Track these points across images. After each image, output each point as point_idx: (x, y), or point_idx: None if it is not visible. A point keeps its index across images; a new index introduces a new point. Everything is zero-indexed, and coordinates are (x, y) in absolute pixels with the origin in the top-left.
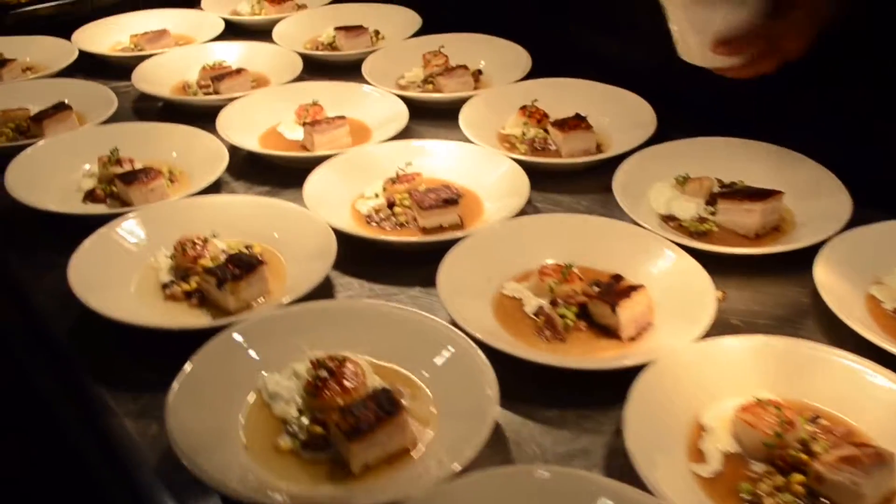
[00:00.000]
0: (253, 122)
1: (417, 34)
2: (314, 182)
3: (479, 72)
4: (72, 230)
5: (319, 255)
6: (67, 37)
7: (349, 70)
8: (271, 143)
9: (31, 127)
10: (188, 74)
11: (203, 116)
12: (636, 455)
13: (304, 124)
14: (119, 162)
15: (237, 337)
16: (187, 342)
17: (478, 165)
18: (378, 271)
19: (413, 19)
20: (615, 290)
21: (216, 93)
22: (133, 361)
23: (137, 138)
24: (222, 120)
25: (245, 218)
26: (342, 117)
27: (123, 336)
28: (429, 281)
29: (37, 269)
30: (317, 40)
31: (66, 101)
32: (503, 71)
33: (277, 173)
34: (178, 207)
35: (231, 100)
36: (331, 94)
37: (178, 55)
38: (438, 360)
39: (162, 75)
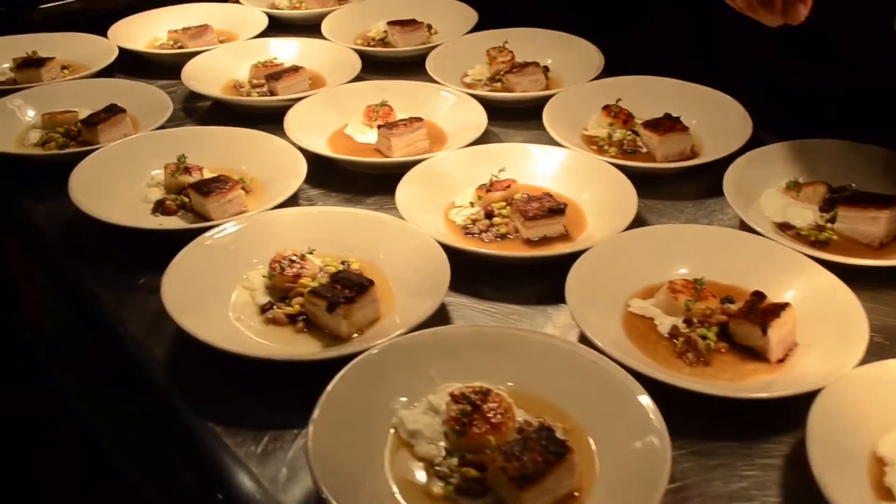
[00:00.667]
0: (319, 124)
1: (474, 30)
2: (405, 191)
3: (546, 69)
4: (145, 245)
5: (431, 276)
6: (100, 32)
7: (404, 67)
8: (341, 147)
9: (84, 132)
10: (237, 73)
11: (259, 118)
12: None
13: (379, 127)
14: (188, 170)
15: (365, 368)
16: (300, 372)
17: (574, 171)
18: (485, 287)
19: (466, 14)
20: (761, 309)
21: (272, 92)
22: (241, 395)
23: (202, 143)
24: (291, 123)
25: (339, 231)
26: (419, 119)
27: (224, 364)
28: (540, 297)
29: (114, 289)
30: (366, 35)
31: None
32: (573, 68)
33: (353, 179)
34: (267, 221)
35: (294, 101)
36: (398, 94)
37: (226, 52)
38: (586, 390)
39: (210, 74)
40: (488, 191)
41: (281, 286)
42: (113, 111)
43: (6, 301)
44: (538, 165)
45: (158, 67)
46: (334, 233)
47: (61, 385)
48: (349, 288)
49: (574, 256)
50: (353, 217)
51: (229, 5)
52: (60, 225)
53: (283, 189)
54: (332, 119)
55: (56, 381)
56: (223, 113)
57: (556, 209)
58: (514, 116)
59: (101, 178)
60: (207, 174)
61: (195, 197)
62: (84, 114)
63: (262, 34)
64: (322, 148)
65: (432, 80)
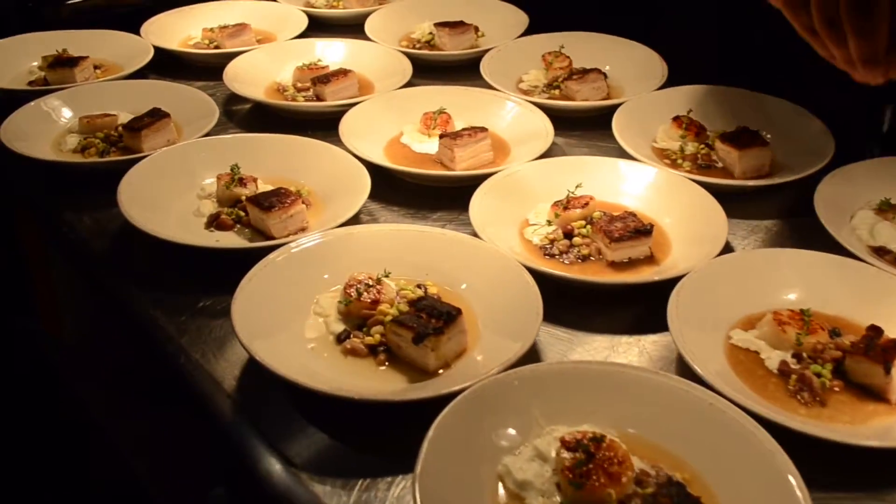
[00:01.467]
0: (374, 132)
1: (525, 33)
2: (479, 207)
3: (604, 75)
4: (201, 263)
5: (520, 309)
6: (129, 29)
7: (452, 71)
8: (399, 157)
9: (126, 137)
10: (280, 75)
11: (306, 124)
12: None
13: (441, 137)
14: (242, 181)
15: (466, 409)
16: (386, 411)
17: (657, 188)
18: (568, 314)
19: (516, 16)
20: (881, 345)
21: (318, 97)
22: (321, 434)
23: (255, 152)
24: (346, 131)
25: (414, 252)
26: (483, 129)
27: (301, 399)
28: (629, 326)
29: (172, 312)
30: (410, 37)
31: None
32: (633, 76)
33: (415, 192)
34: (335, 240)
35: (346, 107)
36: (455, 101)
37: (268, 53)
38: (703, 434)
39: (252, 75)
40: (566, 208)
41: (357, 313)
42: (157, 116)
43: (21, 307)
44: (616, 181)
45: (195, 68)
46: (408, 253)
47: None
48: (436, 317)
49: (669, 282)
50: (428, 236)
51: (266, 3)
52: (107, 239)
53: (346, 204)
54: (387, 126)
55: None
56: (265, 117)
57: (643, 230)
58: (575, 126)
59: (150, 189)
60: (262, 186)
61: (254, 211)
62: (123, 117)
63: (302, 35)
64: (379, 157)
65: (485, 86)
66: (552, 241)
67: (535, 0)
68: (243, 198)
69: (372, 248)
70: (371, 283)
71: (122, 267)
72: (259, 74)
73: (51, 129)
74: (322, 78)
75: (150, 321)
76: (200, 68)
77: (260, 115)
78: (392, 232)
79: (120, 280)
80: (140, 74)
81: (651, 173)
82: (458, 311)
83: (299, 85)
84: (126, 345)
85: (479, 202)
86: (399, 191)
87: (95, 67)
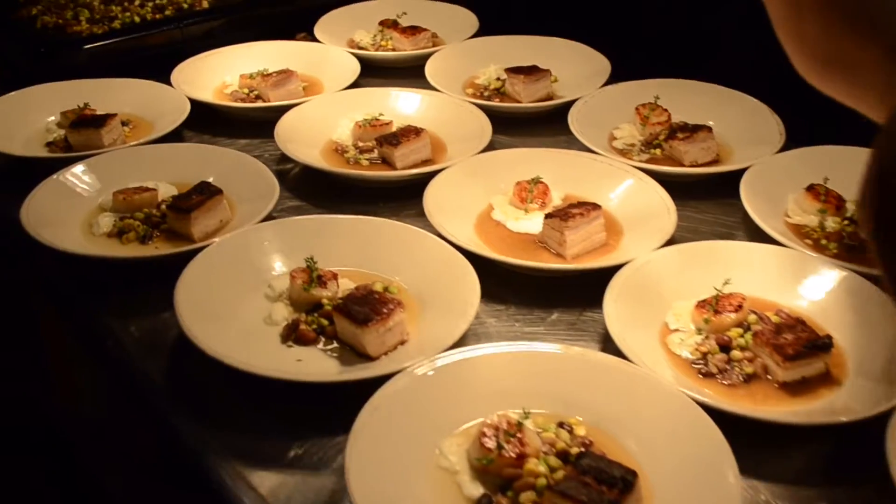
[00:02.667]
0: (461, 207)
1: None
2: (614, 313)
3: (709, 129)
4: (283, 393)
5: (706, 458)
6: (158, 76)
7: (530, 125)
8: (494, 238)
9: (171, 219)
10: (336, 132)
11: (374, 193)
12: None
13: (547, 217)
14: (322, 281)
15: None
16: None
17: (821, 285)
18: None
19: (594, 61)
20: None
21: (385, 159)
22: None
23: (331, 237)
24: (432, 207)
25: (553, 379)
26: (595, 206)
27: None
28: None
29: (250, 460)
30: (475, 83)
31: (211, 180)
32: (743, 132)
33: (523, 285)
34: (454, 363)
35: (426, 175)
36: (547, 165)
37: (320, 106)
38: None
39: (304, 133)
40: (716, 311)
41: (498, 472)
42: (207, 192)
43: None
44: (764, 272)
45: (235, 121)
46: (544, 381)
47: (103, 479)
48: (608, 484)
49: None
50: (566, 360)
51: (306, 44)
52: (160, 356)
53: (450, 309)
54: (473, 198)
55: (96, 473)
56: (320, 181)
57: (821, 344)
58: (684, 194)
59: (210, 291)
60: (345, 283)
61: (343, 323)
62: (163, 189)
63: (353, 83)
64: (473, 239)
65: (571, 141)
66: (705, 355)
67: (615, 41)
68: (325, 301)
69: (496, 376)
70: (510, 430)
71: (178, 392)
72: (313, 131)
73: (79, 207)
74: (390, 139)
75: (222, 479)
76: (241, 122)
77: (314, 178)
78: (522, 356)
79: (174, 407)
80: (175, 133)
81: (809, 264)
82: (635, 475)
83: (361, 144)
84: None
85: (614, 306)
86: (504, 283)
87: (123, 124)
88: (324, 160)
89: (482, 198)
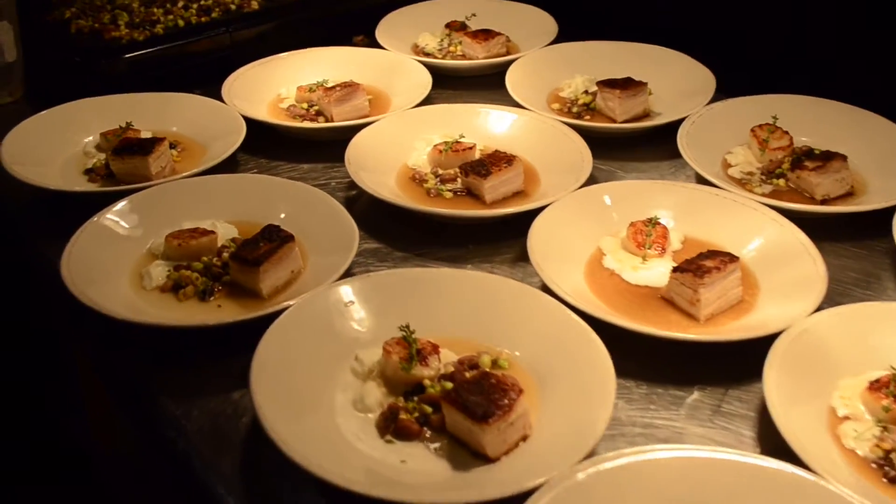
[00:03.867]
0: (568, 251)
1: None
2: (776, 391)
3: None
4: None
5: None
6: (206, 89)
7: (624, 146)
8: (609, 290)
9: (236, 271)
10: (411, 156)
11: (460, 231)
12: None
13: (675, 271)
14: (422, 356)
15: None
16: None
17: None
18: None
19: (697, 75)
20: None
21: (471, 191)
22: None
23: (423, 296)
24: (538, 254)
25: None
26: (732, 258)
27: None
28: None
29: None
30: (559, 96)
31: (282, 218)
32: (880, 159)
33: (641, 348)
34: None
35: (526, 215)
36: (664, 201)
37: (394, 125)
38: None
39: (376, 158)
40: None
41: None
42: (276, 239)
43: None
44: None
45: (292, 142)
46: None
47: None
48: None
49: None
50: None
51: (369, 52)
52: (231, 451)
53: (585, 393)
54: (580, 241)
55: None
56: (397, 214)
57: None
58: (817, 232)
59: (288, 371)
60: (445, 354)
61: (457, 418)
62: (222, 230)
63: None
64: (586, 296)
65: (678, 169)
66: (888, 454)
67: (711, 47)
68: (427, 383)
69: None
70: None
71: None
72: (386, 156)
73: (126, 253)
74: (478, 168)
75: None
76: (301, 142)
77: (389, 210)
78: (697, 463)
79: None
80: (229, 160)
81: None
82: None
83: (441, 172)
84: None
85: (776, 392)
86: (625, 348)
87: (171, 147)
88: (400, 190)
89: (589, 240)
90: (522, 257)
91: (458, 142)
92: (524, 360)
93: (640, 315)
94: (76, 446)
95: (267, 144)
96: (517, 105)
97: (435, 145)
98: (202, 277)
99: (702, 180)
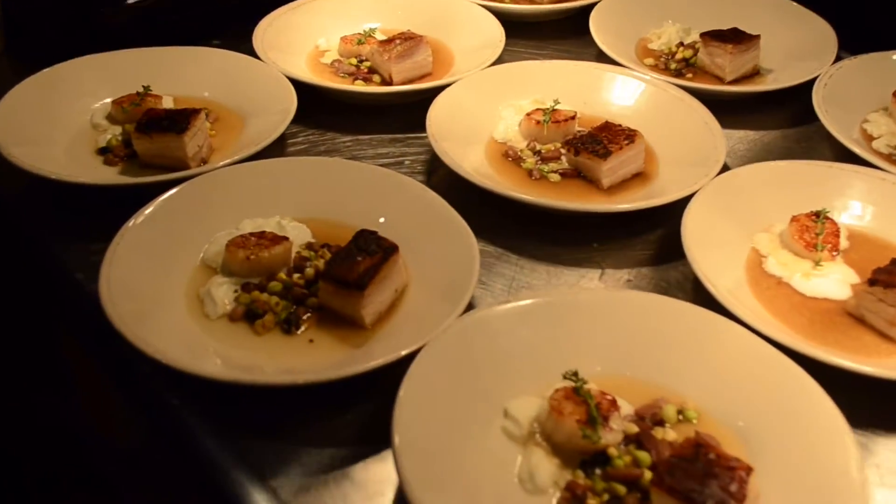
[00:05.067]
0: (720, 249)
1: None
2: None
3: None
4: None
5: None
6: (228, 39)
7: (735, 109)
8: (783, 306)
9: (328, 295)
10: (497, 126)
11: (572, 222)
12: None
13: (871, 283)
14: (602, 415)
15: None
16: None
17: None
18: None
19: (801, 19)
20: None
21: (583, 173)
22: None
23: (570, 326)
24: (704, 265)
25: None
26: None
27: None
28: None
29: None
30: (648, 48)
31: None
32: None
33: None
34: None
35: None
36: (816, 187)
37: (472, 89)
38: None
39: (460, 129)
40: None
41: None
42: (379, 251)
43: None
44: None
45: (341, 106)
46: None
47: None
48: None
49: None
50: None
51: None
52: None
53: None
54: (733, 239)
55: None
56: (487, 199)
57: None
58: None
59: (435, 440)
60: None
61: None
62: (293, 233)
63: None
64: (759, 313)
65: (810, 143)
66: None
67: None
68: (612, 452)
69: None
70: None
71: None
72: (471, 127)
73: (176, 265)
74: (591, 144)
75: None
76: (350, 107)
77: (478, 194)
78: None
79: None
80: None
81: None
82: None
83: (541, 148)
84: None
85: None
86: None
87: (207, 117)
88: (495, 171)
89: (741, 237)
90: (662, 257)
91: (556, 110)
92: (715, 408)
93: (828, 338)
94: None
95: (311, 109)
96: (607, 60)
97: (528, 114)
98: (283, 301)
99: (844, 156)
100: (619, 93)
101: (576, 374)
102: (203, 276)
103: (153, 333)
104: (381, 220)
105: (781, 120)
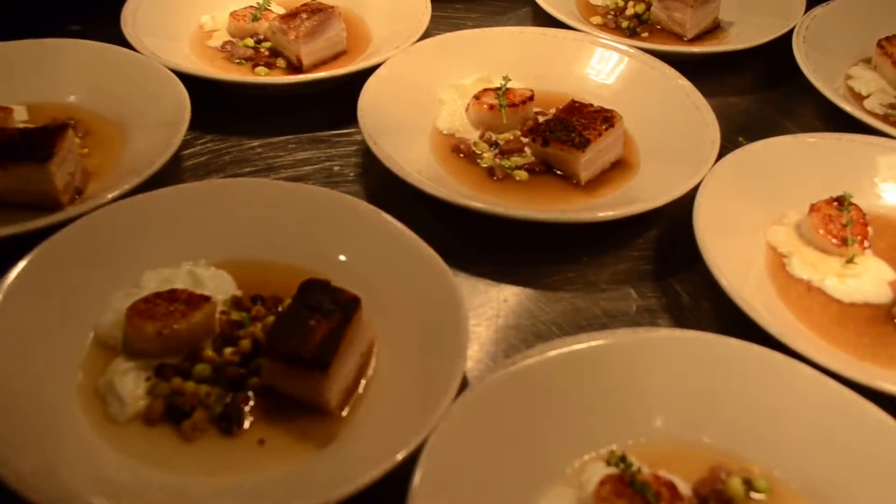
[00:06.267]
0: (736, 247)
1: None
2: None
3: None
4: None
5: None
6: (84, 26)
7: (687, 70)
8: (816, 315)
9: (279, 375)
10: (440, 114)
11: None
12: None
13: None
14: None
15: None
16: None
17: None
18: None
19: None
20: None
21: (553, 166)
22: None
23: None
24: (726, 268)
25: None
26: None
27: None
28: None
29: None
30: (591, 4)
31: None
32: None
33: None
34: None
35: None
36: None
37: (405, 69)
38: None
39: (395, 119)
40: None
41: None
42: (337, 309)
43: None
44: None
45: (242, 99)
46: None
47: None
48: None
49: None
50: None
51: None
52: None
53: None
54: (744, 236)
55: None
56: (440, 209)
57: None
58: None
59: None
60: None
61: None
62: (215, 287)
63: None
64: (797, 329)
65: (789, 108)
66: None
67: None
68: None
69: None
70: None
71: None
72: (408, 116)
73: (56, 358)
74: (566, 134)
75: None
76: (255, 97)
77: (423, 201)
78: None
79: None
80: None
81: None
82: None
83: (498, 139)
84: None
85: None
86: None
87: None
88: (447, 171)
89: (755, 235)
90: (666, 262)
91: (509, 89)
92: (789, 471)
93: (880, 356)
94: None
95: (206, 108)
96: (545, 19)
97: (476, 97)
98: (215, 389)
99: (832, 117)
100: (577, 62)
101: (623, 458)
102: (100, 361)
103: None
104: (336, 257)
105: (748, 81)
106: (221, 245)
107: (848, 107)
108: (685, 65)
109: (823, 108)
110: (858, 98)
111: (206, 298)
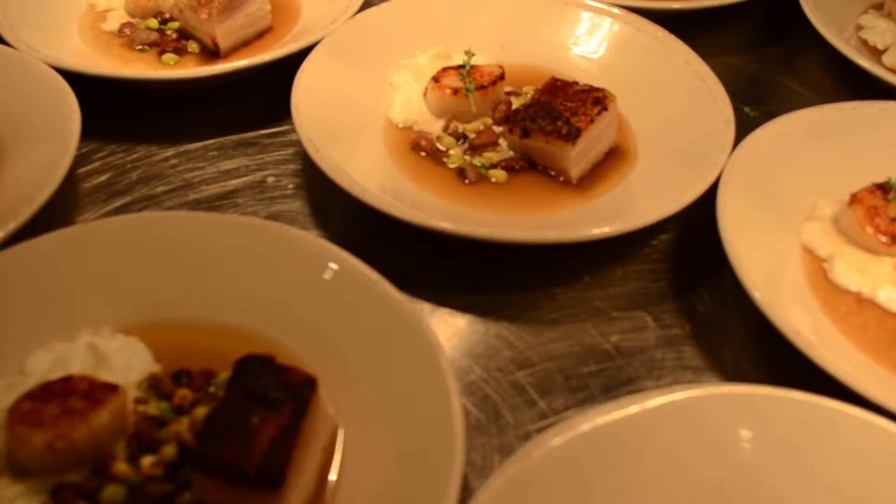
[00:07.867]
0: (768, 253)
1: None
2: None
3: None
4: None
5: None
6: None
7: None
8: (873, 338)
9: (216, 493)
10: (392, 104)
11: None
12: None
13: None
14: None
15: None
16: None
17: None
18: None
19: None
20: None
21: (535, 160)
22: None
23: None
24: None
25: None
26: None
27: None
28: None
29: None
30: None
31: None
32: None
33: None
34: None
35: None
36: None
37: (345, 49)
38: None
39: (336, 113)
40: None
41: None
42: (285, 397)
43: None
44: None
45: (146, 95)
46: None
47: None
48: None
49: None
50: None
51: None
52: None
53: None
54: (773, 235)
55: None
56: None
57: None
58: None
59: None
60: None
61: None
62: (125, 367)
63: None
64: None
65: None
66: None
67: None
68: None
69: None
70: None
71: None
72: (355, 107)
73: None
74: (553, 125)
75: None
76: (164, 93)
77: (377, 219)
78: None
79: None
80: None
81: None
82: None
83: (464, 130)
84: None
85: None
86: None
87: None
88: (407, 174)
89: (786, 234)
90: (682, 276)
91: (475, 67)
92: None
93: None
94: None
95: (103, 111)
96: None
97: (434, 79)
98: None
99: (846, 77)
100: (549, 26)
101: None
102: None
103: None
104: (282, 313)
105: (745, 38)
106: (130, 303)
107: (867, 64)
108: (669, 22)
109: (832, 64)
110: (875, 53)
111: (113, 388)
